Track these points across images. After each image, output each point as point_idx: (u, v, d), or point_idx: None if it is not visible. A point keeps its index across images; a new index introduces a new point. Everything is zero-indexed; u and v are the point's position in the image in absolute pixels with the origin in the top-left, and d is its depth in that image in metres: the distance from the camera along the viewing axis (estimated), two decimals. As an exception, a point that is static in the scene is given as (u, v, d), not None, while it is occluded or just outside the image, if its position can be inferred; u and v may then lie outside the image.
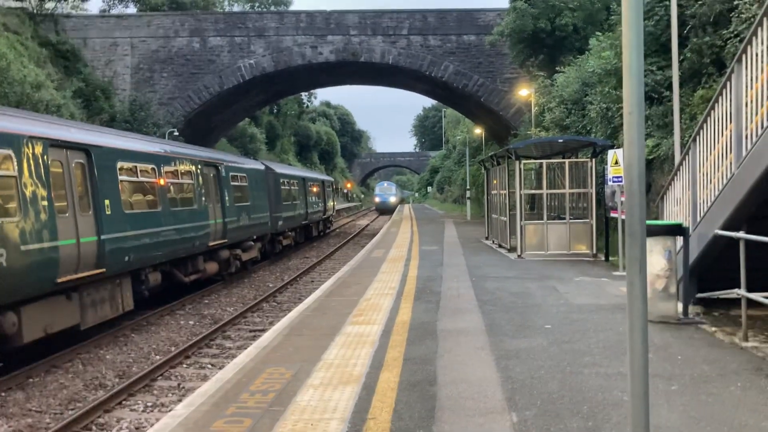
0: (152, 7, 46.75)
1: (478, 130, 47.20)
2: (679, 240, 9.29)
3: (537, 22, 28.82)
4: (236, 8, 72.76)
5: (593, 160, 17.34)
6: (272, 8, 71.76)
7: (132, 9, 51.89)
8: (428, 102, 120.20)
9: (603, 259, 16.59)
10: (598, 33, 23.20)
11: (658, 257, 8.90)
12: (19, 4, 36.20)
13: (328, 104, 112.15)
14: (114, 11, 51.27)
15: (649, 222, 8.91)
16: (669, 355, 7.33)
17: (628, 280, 3.44)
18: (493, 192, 22.72)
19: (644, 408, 3.42)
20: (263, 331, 12.13)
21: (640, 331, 3.36)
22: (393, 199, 74.12)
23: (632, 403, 3.45)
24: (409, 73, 39.47)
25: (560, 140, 18.57)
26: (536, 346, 7.84)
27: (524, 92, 30.43)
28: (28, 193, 9.69)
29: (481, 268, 15.60)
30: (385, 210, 69.65)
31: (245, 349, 9.12)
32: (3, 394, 9.18)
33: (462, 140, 59.57)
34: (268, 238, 24.92)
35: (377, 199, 76.55)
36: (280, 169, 29.71)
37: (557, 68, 26.98)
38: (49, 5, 39.38)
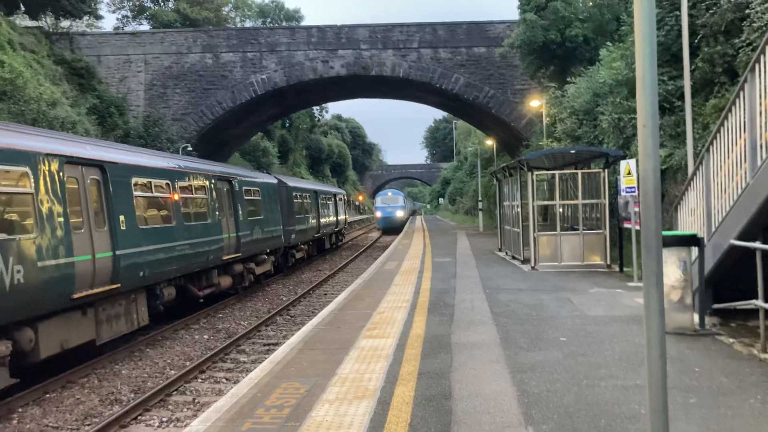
0: (165, 24, 47.31)
1: (490, 142, 47.17)
2: (694, 250, 9.21)
3: (547, 34, 28.85)
4: (248, 24, 73.50)
5: (606, 170, 17.27)
6: (284, 24, 72.42)
7: (145, 26, 52.54)
8: (439, 114, 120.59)
9: (617, 269, 16.48)
10: (608, 43, 23.19)
11: (673, 268, 8.84)
12: (35, 24, 36.72)
13: (339, 117, 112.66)
14: (128, 28, 51.94)
15: (663, 233, 8.86)
16: (686, 367, 7.26)
17: (645, 292, 3.42)
18: (505, 203, 22.67)
19: (663, 421, 3.39)
20: (277, 345, 12.15)
21: (658, 343, 3.34)
22: (400, 213, 56.22)
23: (651, 417, 3.43)
24: (419, 86, 39.59)
25: (572, 151, 18.51)
26: (551, 359, 7.79)
27: (535, 103, 30.43)
28: (44, 209, 9.79)
29: (495, 280, 15.54)
30: (391, 227, 53.75)
31: (260, 363, 9.14)
32: (20, 409, 9.23)
33: (473, 152, 59.56)
34: (281, 252, 24.99)
35: (379, 214, 57.07)
36: (292, 182, 29.82)
37: (568, 79, 26.97)
38: (65, 24, 39.98)
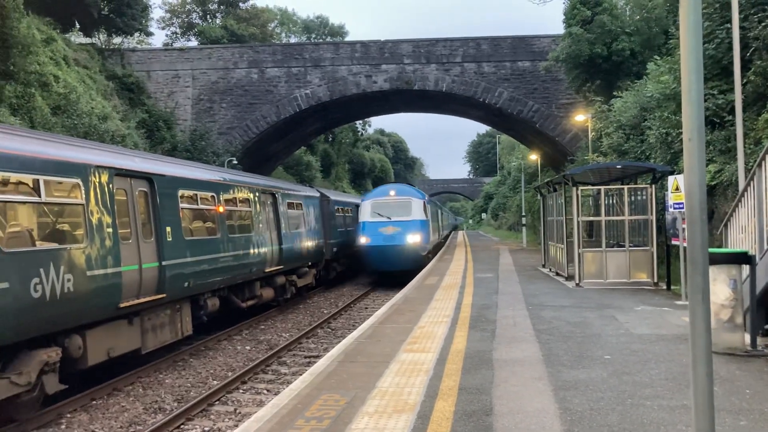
0: (212, 40, 48.35)
1: (534, 156, 46.80)
2: (745, 269, 8.95)
3: (593, 48, 28.57)
4: (293, 39, 74.65)
5: (653, 186, 16.95)
6: (328, 39, 73.31)
7: (193, 42, 53.80)
8: (482, 128, 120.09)
9: (664, 287, 16.11)
10: (656, 57, 22.84)
11: (722, 286, 8.60)
12: (88, 40, 37.98)
13: (381, 132, 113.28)
14: (176, 44, 53.25)
15: (712, 250, 8.64)
16: (736, 388, 7.04)
17: (691, 309, 3.34)
18: (550, 218, 22.41)
19: (710, 443, 3.30)
20: (318, 357, 12.20)
21: (704, 361, 3.25)
22: (414, 239, 25.61)
23: (697, 438, 3.33)
24: (462, 100, 39.57)
25: (618, 166, 18.22)
26: (595, 377, 7.64)
27: (580, 117, 30.10)
28: (94, 220, 10.06)
29: (538, 297, 15.34)
30: (393, 270, 25.55)
31: (300, 375, 9.19)
32: (68, 415, 9.46)
33: (517, 166, 59.12)
34: (323, 264, 25.13)
35: (364, 240, 25.71)
36: (334, 196, 30.00)
37: (614, 93, 26.63)
38: (116, 40, 41.26)
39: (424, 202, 27.16)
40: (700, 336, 3.28)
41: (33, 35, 24.36)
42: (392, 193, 27.21)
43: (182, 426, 9.00)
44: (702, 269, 3.26)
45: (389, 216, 25.59)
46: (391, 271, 25.50)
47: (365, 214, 26.19)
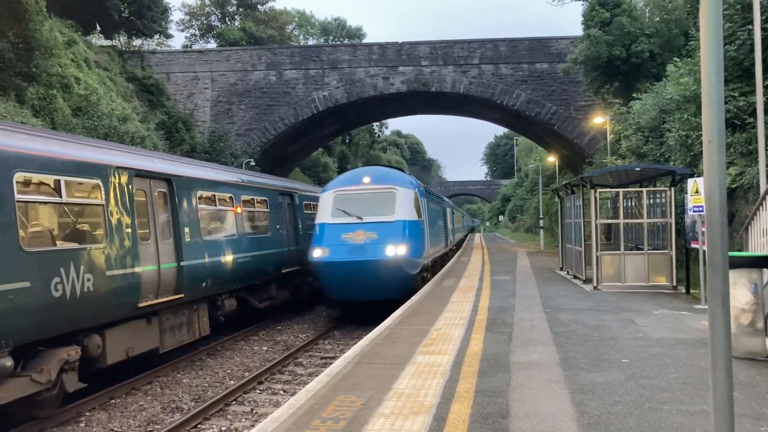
0: (231, 42, 48.69)
1: (551, 158, 46.56)
2: (766, 273, 8.85)
3: (612, 50, 28.39)
4: (311, 42, 74.93)
5: (672, 189, 16.79)
6: (346, 41, 73.52)
7: (212, 44, 54.19)
8: (500, 130, 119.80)
9: (683, 291, 15.94)
10: (675, 59, 22.65)
11: (743, 290, 8.50)
12: (109, 43, 38.39)
13: (398, 133, 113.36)
14: (196, 47, 53.68)
15: (732, 254, 8.55)
16: (757, 393, 6.96)
17: (710, 313, 3.31)
18: (567, 221, 22.28)
19: (729, 448, 3.26)
20: (334, 358, 12.22)
21: (724, 367, 3.22)
22: (396, 250, 16.10)
23: (716, 443, 3.30)
24: (480, 102, 39.49)
25: (637, 168, 18.07)
26: (613, 381, 7.59)
27: (599, 119, 29.91)
28: (113, 220, 10.17)
29: (555, 299, 15.26)
30: (356, 296, 16.55)
31: (316, 376, 9.20)
32: (88, 413, 9.56)
33: (535, 168, 58.85)
34: None
35: (319, 252, 16.20)
36: None
37: (633, 95, 26.43)
38: (137, 43, 41.65)
39: (416, 193, 18.03)
40: (720, 340, 3.25)
41: (55, 38, 24.67)
42: (366, 179, 17.62)
43: (199, 425, 9.06)
44: (722, 273, 3.23)
45: (360, 215, 16.67)
46: (361, 302, 16.80)
47: (324, 212, 17.10)
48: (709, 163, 3.28)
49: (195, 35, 58.25)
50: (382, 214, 16.67)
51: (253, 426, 8.26)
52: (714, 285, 3.28)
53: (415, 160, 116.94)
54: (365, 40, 77.52)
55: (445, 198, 36.48)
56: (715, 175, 3.24)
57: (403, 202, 17.11)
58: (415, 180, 19.59)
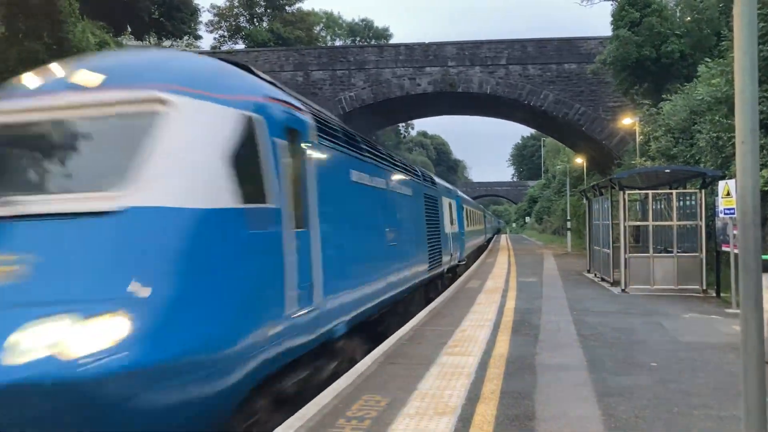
0: (259, 43, 49.09)
1: (579, 160, 46.14)
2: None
3: (641, 50, 28.04)
4: (338, 42, 75.22)
5: (703, 191, 16.55)
6: (372, 42, 73.69)
7: (240, 45, 54.68)
8: (527, 131, 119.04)
9: (713, 295, 15.70)
10: (707, 59, 22.31)
11: (775, 294, 8.34)
12: (139, 44, 38.96)
13: (424, 134, 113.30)
14: (224, 48, 54.20)
15: (766, 257, 8.40)
16: (789, 400, 6.82)
17: (742, 316, 3.26)
18: (595, 223, 22.06)
19: (761, 454, 3.21)
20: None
21: (756, 371, 3.17)
22: (73, 345, 4.16)
23: (747, 448, 3.25)
24: (507, 103, 39.30)
25: (667, 170, 17.85)
26: (641, 385, 7.50)
27: (628, 121, 29.55)
28: None
29: (582, 302, 15.13)
30: None
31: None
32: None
33: (562, 170, 58.37)
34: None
35: None
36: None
37: (663, 96, 26.08)
38: (166, 44, 42.22)
39: (260, 120, 5.95)
40: (753, 344, 3.20)
41: (87, 39, 25.08)
42: (83, 77, 5.45)
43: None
44: (755, 276, 3.18)
45: (21, 191, 4.98)
46: None
47: None
48: (742, 165, 3.23)
49: (224, 36, 58.87)
50: (91, 188, 4.93)
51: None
52: (747, 289, 3.23)
53: (441, 161, 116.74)
54: (392, 41, 77.60)
55: (449, 185, 25.72)
56: (749, 177, 3.19)
57: (188, 143, 5.18)
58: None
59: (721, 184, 13.87)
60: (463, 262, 25.17)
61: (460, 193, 28.83)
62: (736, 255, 13.39)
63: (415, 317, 13.11)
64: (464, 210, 27.31)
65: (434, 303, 15.31)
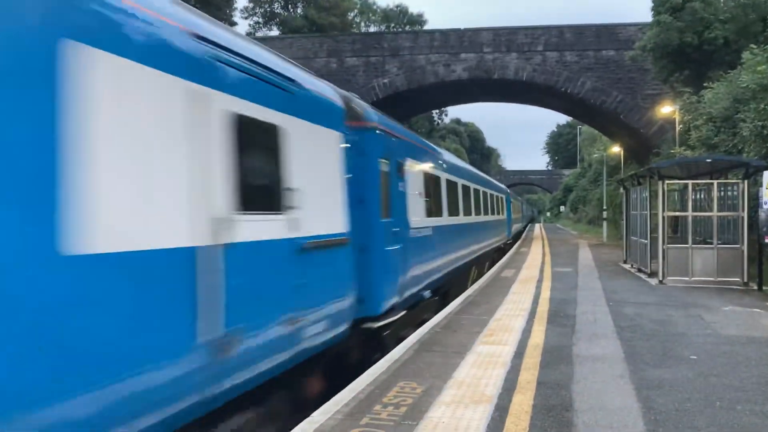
0: (293, 30, 49.20)
1: (616, 148, 45.38)
2: None
3: (683, 36, 27.38)
4: (372, 29, 74.98)
5: (746, 181, 16.14)
6: (407, 28, 73.29)
7: (275, 32, 54.85)
8: (562, 118, 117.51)
9: (755, 288, 15.35)
10: (752, 46, 21.67)
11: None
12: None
13: (458, 121, 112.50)
14: (259, 34, 54.43)
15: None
16: (836, 396, 6.64)
17: (797, 310, 3.16)
18: (633, 213, 21.72)
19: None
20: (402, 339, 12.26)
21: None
22: None
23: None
24: (543, 90, 38.80)
25: (708, 160, 17.46)
26: (680, 378, 7.37)
27: (667, 109, 28.93)
28: None
29: (619, 293, 14.92)
30: None
31: (377, 361, 9.25)
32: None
33: (599, 158, 57.49)
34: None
35: None
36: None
37: (705, 84, 25.45)
38: (202, 30, 42.56)
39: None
40: (808, 339, 3.09)
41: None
42: None
43: (261, 406, 9.22)
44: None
45: None
46: None
47: None
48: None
49: (258, 23, 59.16)
50: None
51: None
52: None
53: (474, 149, 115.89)
54: (426, 27, 77.05)
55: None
56: (807, 166, 3.07)
57: None
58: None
59: (766, 174, 13.52)
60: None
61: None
62: (780, 247, 13.07)
63: (450, 305, 13.08)
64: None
65: (469, 291, 15.26)
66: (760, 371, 7.67)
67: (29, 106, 3.29)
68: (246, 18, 59.53)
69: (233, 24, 47.68)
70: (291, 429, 5.71)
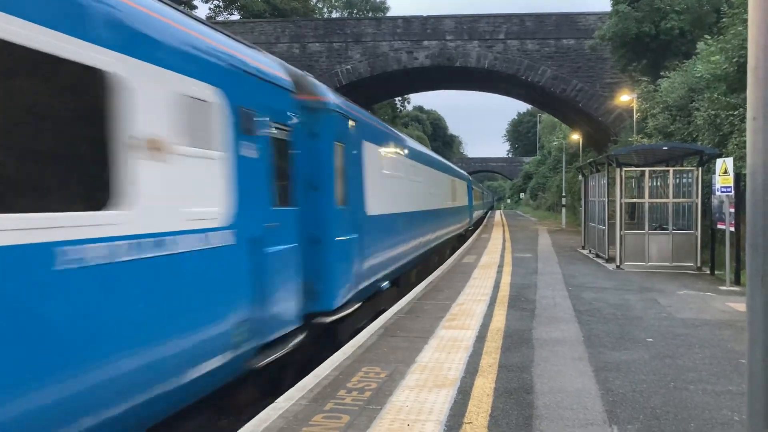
0: (255, 14, 48.50)
1: (576, 136, 46.06)
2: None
3: (640, 26, 27.86)
4: (335, 14, 74.41)
5: (700, 169, 16.58)
6: (370, 14, 72.92)
7: (236, 16, 54.00)
8: (523, 107, 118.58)
9: (708, 272, 15.82)
10: (706, 36, 22.17)
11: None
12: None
13: (421, 109, 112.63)
14: (219, 18, 53.53)
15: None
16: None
17: (749, 293, 3.27)
18: (591, 199, 22.12)
19: (762, 426, 3.25)
20: (358, 330, 12.31)
21: (761, 345, 3.19)
22: None
23: (749, 422, 3.29)
24: (504, 78, 39.10)
25: (665, 147, 17.86)
26: (637, 359, 7.58)
27: (625, 98, 29.45)
28: None
29: (578, 278, 15.22)
30: None
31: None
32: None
33: (558, 146, 58.29)
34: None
35: None
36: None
37: (662, 73, 25.97)
38: (161, 13, 41.65)
39: None
40: (758, 319, 3.22)
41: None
42: None
43: (224, 393, 9.18)
44: (763, 253, 3.19)
45: None
46: None
47: None
48: (754, 141, 3.21)
49: (219, 7, 58.12)
50: None
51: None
52: (754, 265, 3.24)
53: (437, 136, 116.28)
54: (389, 14, 76.78)
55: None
56: (759, 154, 3.18)
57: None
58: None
59: (719, 162, 13.89)
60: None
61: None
62: (731, 233, 13.48)
63: (413, 291, 13.17)
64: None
65: (431, 277, 15.37)
66: (712, 352, 7.93)
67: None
68: (206, 2, 58.58)
69: (193, 7, 46.77)
70: (255, 416, 5.72)
